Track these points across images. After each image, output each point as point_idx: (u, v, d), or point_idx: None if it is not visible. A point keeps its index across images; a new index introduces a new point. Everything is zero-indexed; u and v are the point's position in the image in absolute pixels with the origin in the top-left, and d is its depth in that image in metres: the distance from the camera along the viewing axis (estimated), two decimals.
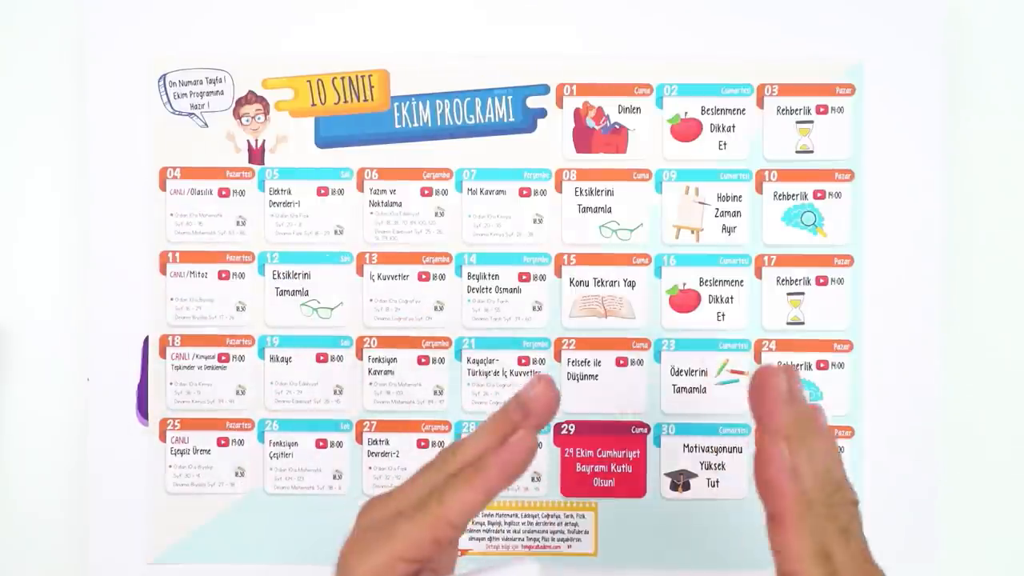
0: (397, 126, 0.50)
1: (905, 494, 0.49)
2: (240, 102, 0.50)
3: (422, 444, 0.50)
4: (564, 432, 0.50)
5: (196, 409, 0.50)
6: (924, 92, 0.49)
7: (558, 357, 0.50)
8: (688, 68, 0.50)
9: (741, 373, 0.50)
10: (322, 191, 0.50)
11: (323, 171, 0.50)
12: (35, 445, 0.51)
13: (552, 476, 0.50)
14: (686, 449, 0.50)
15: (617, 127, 0.50)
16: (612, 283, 0.50)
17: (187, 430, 0.50)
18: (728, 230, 0.50)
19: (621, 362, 0.50)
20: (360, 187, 0.50)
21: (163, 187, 0.50)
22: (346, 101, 0.50)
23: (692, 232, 0.50)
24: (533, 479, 0.50)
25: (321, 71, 0.50)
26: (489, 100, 0.50)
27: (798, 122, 0.50)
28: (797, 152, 0.50)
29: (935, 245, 0.49)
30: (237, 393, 0.50)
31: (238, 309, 0.50)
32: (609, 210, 0.50)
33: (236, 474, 0.50)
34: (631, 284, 0.50)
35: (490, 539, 0.50)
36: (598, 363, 0.50)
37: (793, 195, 0.50)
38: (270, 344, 0.50)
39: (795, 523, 0.30)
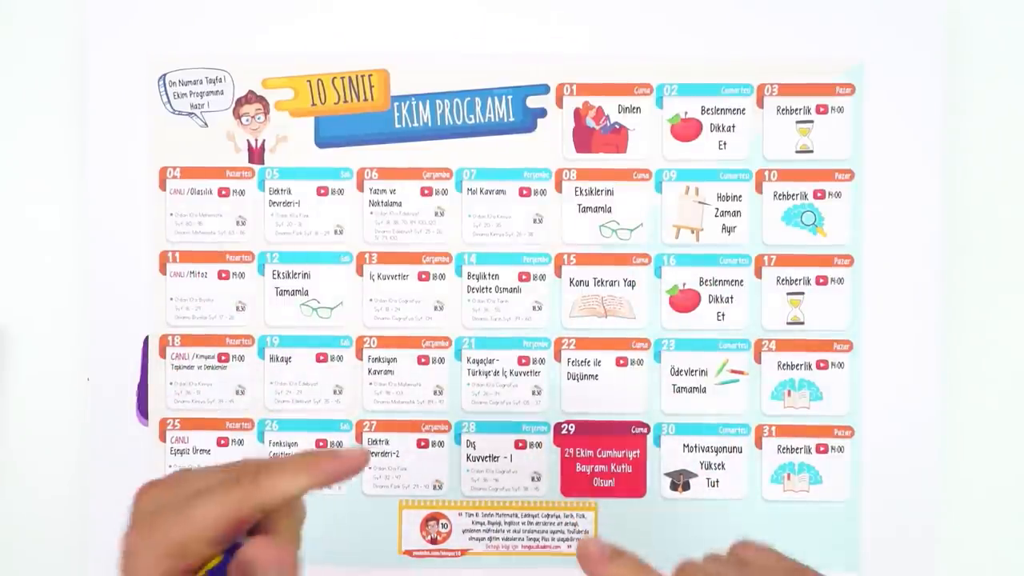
0: (397, 126, 0.50)
1: (905, 494, 0.49)
2: (240, 102, 0.50)
3: (422, 444, 0.50)
4: (564, 432, 0.50)
5: (196, 409, 0.50)
6: (924, 92, 0.49)
7: (558, 357, 0.50)
8: (688, 68, 0.50)
9: (741, 373, 0.50)
10: (322, 191, 0.50)
11: (323, 171, 0.50)
12: (35, 445, 0.51)
13: (552, 476, 0.50)
14: (686, 449, 0.50)
15: (617, 127, 0.50)
16: (612, 283, 0.50)
17: (187, 430, 0.50)
18: (728, 230, 0.50)
19: (621, 362, 0.50)
20: (360, 187, 0.50)
21: (163, 187, 0.50)
22: (346, 101, 0.50)
23: (692, 232, 0.50)
24: (533, 479, 0.50)
25: (321, 71, 0.50)
26: (489, 100, 0.50)
27: (798, 122, 0.50)
28: (797, 152, 0.50)
29: (935, 245, 0.49)
30: (237, 393, 0.50)
31: (238, 309, 0.50)
32: (609, 210, 0.50)
33: None
34: (631, 284, 0.50)
35: (490, 539, 0.50)
36: (598, 363, 0.50)
37: (793, 195, 0.50)
38: (270, 344, 0.50)
39: None
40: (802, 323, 0.50)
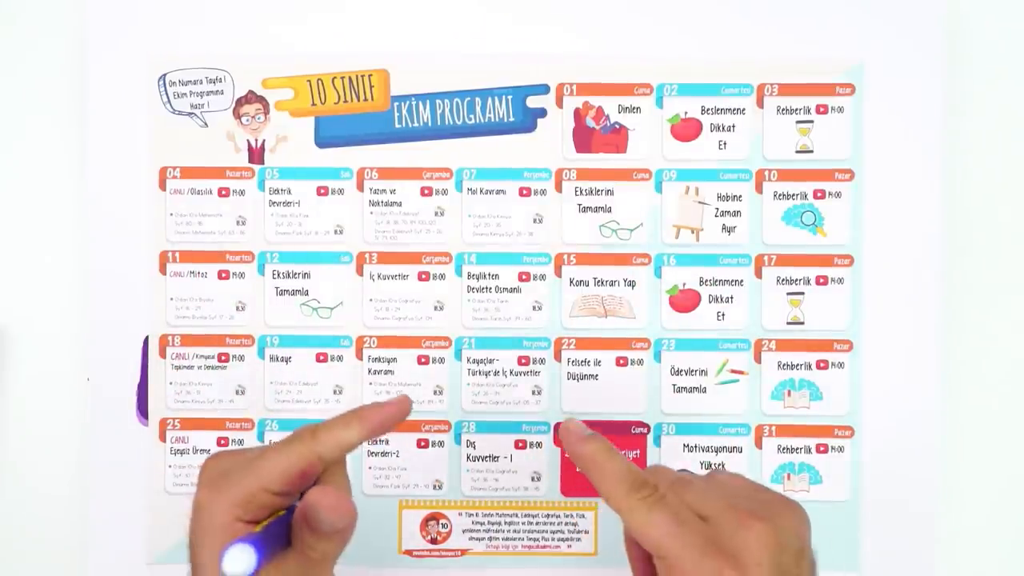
0: (397, 126, 0.50)
1: (905, 494, 0.49)
2: (240, 102, 0.50)
3: (422, 444, 0.50)
4: None
5: (196, 409, 0.50)
6: (924, 92, 0.49)
7: (558, 357, 0.50)
8: (688, 68, 0.50)
9: (741, 373, 0.50)
10: (322, 191, 0.50)
11: (323, 171, 0.50)
12: (35, 445, 0.51)
13: (552, 476, 0.50)
14: (686, 449, 0.50)
15: (617, 127, 0.50)
16: (612, 283, 0.50)
17: (187, 430, 0.50)
18: (728, 230, 0.50)
19: (621, 362, 0.50)
20: (360, 187, 0.50)
21: (163, 187, 0.50)
22: (346, 101, 0.50)
23: (692, 232, 0.50)
24: (533, 479, 0.50)
25: (321, 71, 0.50)
26: (489, 100, 0.50)
27: (798, 122, 0.50)
28: (797, 152, 0.50)
29: (934, 245, 0.49)
30: (237, 393, 0.50)
31: (238, 309, 0.50)
32: (609, 210, 0.50)
33: None
34: (631, 284, 0.50)
35: (490, 539, 0.50)
36: (598, 363, 0.50)
37: (793, 195, 0.50)
38: (270, 344, 0.50)
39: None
40: (802, 323, 0.50)
